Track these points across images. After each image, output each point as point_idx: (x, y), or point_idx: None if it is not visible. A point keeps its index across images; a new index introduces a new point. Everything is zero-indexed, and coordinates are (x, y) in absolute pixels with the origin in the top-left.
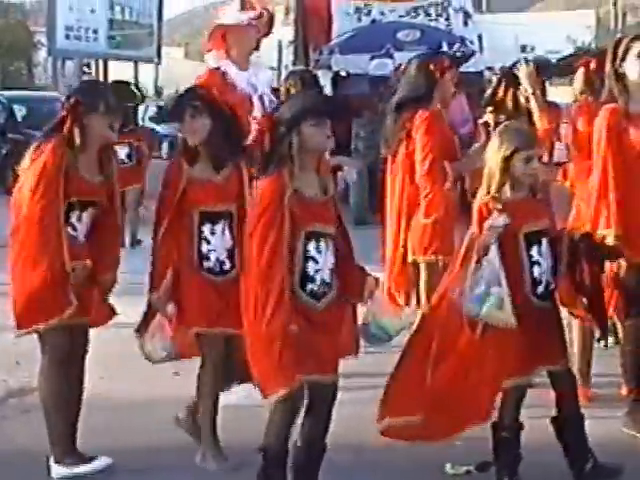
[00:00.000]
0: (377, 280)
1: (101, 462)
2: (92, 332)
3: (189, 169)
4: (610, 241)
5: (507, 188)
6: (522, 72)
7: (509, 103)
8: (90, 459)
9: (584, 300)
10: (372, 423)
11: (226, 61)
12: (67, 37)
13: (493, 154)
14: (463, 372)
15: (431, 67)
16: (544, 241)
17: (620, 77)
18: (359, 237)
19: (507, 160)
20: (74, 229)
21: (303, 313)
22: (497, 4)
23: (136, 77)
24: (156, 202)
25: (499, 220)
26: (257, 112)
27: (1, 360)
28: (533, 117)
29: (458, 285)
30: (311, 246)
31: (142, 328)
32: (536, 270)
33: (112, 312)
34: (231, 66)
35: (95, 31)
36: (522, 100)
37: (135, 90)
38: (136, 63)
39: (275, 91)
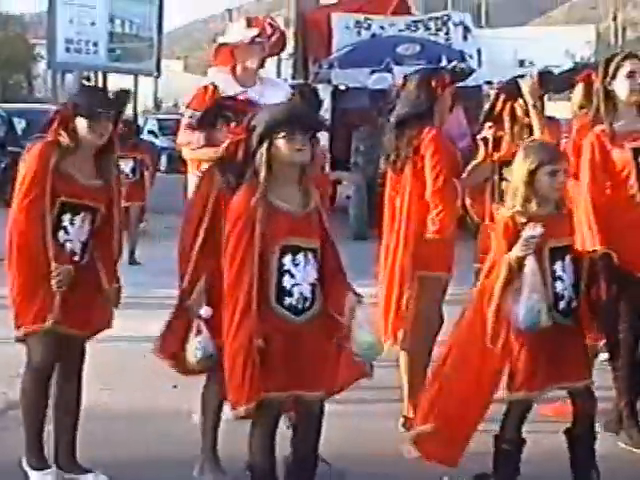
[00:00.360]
0: (359, 297)
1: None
2: (92, 345)
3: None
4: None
5: (533, 202)
6: (525, 85)
7: (507, 117)
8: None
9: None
10: (370, 435)
11: (224, 76)
12: (67, 50)
13: (518, 168)
14: (474, 384)
15: (433, 83)
16: (567, 257)
17: (609, 95)
18: (358, 251)
19: (532, 174)
20: (66, 232)
21: (280, 328)
22: (497, 19)
23: (135, 90)
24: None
25: (536, 230)
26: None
27: (1, 372)
28: (533, 131)
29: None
30: (287, 260)
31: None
32: (559, 285)
33: (110, 322)
34: (227, 82)
35: (95, 44)
36: (520, 114)
37: (127, 97)
38: (136, 76)
39: None
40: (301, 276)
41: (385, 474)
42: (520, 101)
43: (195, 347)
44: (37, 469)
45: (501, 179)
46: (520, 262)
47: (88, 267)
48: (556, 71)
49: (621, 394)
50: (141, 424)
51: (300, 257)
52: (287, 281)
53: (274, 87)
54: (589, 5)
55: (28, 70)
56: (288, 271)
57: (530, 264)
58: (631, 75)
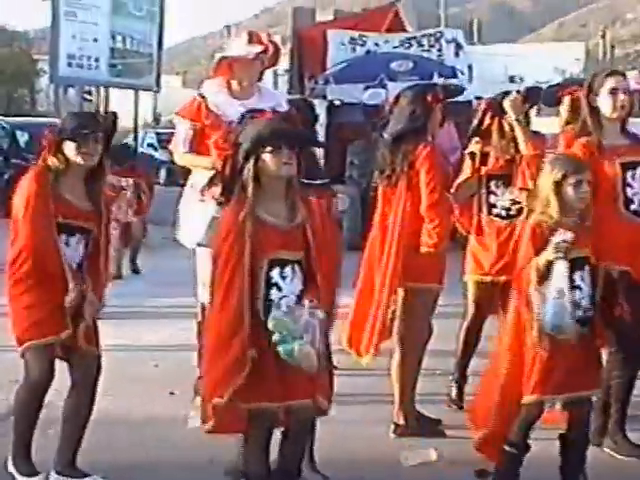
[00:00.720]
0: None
1: None
2: None
3: None
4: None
5: (558, 211)
6: (508, 100)
7: (495, 132)
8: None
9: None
10: (359, 441)
11: (216, 88)
12: (69, 65)
13: (544, 179)
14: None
15: (428, 99)
16: (587, 268)
17: (594, 111)
18: (352, 261)
19: (558, 185)
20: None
21: (269, 340)
22: (488, 35)
23: (136, 104)
24: None
25: (567, 235)
26: None
27: (2, 379)
28: (519, 145)
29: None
30: (275, 273)
31: None
32: (577, 294)
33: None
34: (218, 93)
35: (97, 59)
36: (507, 129)
37: (115, 120)
38: (136, 91)
39: None
40: (288, 289)
41: (374, 478)
42: (507, 116)
43: None
44: (26, 475)
45: (489, 193)
46: (549, 266)
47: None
48: (545, 86)
49: (615, 402)
50: (140, 429)
51: (287, 270)
52: (274, 294)
53: (270, 98)
54: (578, 23)
55: (31, 84)
56: (276, 284)
57: (559, 267)
58: (613, 92)
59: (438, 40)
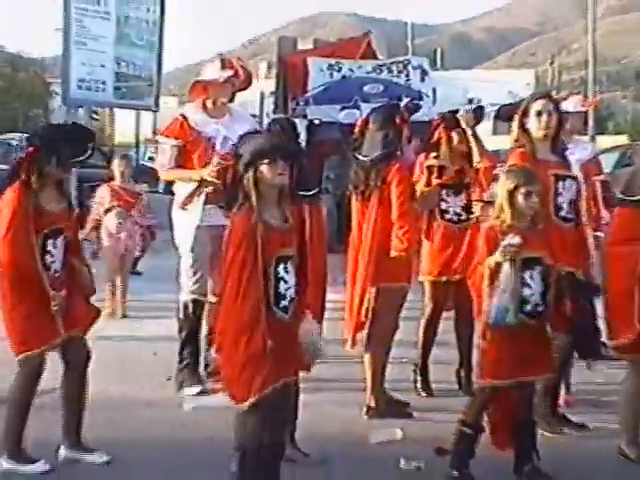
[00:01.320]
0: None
1: (39, 466)
2: (97, 343)
3: None
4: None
5: (511, 217)
6: (461, 118)
7: (444, 144)
8: (33, 461)
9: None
10: (334, 422)
11: (194, 109)
12: (79, 88)
13: (499, 188)
14: None
15: (397, 121)
16: (537, 268)
17: (525, 130)
18: (328, 263)
19: (511, 194)
20: (52, 255)
21: (277, 327)
22: (449, 62)
23: (137, 122)
24: None
25: (514, 239)
26: (221, 153)
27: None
28: (472, 158)
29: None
30: (281, 268)
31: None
32: (526, 291)
33: (97, 313)
34: (196, 113)
35: (103, 83)
36: (455, 142)
37: (89, 134)
38: (138, 111)
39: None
40: (291, 281)
41: (348, 455)
42: (454, 132)
43: None
44: (20, 462)
45: (440, 200)
46: (498, 266)
47: (67, 276)
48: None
49: (554, 386)
50: (140, 411)
51: (289, 265)
52: (282, 287)
53: (241, 120)
54: (529, 52)
55: (45, 105)
56: (282, 278)
57: (505, 268)
58: (539, 114)
59: (406, 67)
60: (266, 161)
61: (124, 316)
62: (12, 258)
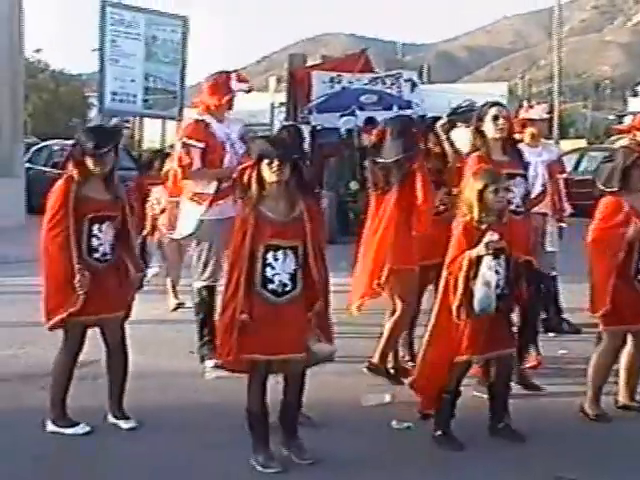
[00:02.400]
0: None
1: (80, 429)
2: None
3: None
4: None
5: (479, 213)
6: (438, 125)
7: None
8: (73, 425)
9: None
10: (333, 389)
11: (208, 115)
12: (113, 100)
13: (470, 187)
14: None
15: (413, 131)
16: (502, 256)
17: (481, 134)
18: (329, 252)
19: (480, 192)
20: (98, 239)
21: (264, 306)
22: (435, 77)
23: (163, 130)
24: None
25: (494, 236)
26: (231, 153)
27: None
28: (446, 159)
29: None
30: (269, 255)
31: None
32: (495, 277)
33: (125, 304)
34: (212, 119)
35: (134, 95)
36: (430, 144)
37: (121, 133)
38: (163, 120)
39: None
40: (280, 267)
41: (346, 418)
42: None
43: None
44: (62, 426)
45: None
46: (479, 259)
47: (116, 262)
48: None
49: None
50: (167, 380)
51: (279, 254)
52: (269, 272)
53: (234, 122)
54: (504, 67)
55: (83, 115)
56: (270, 264)
57: (486, 262)
58: (496, 118)
59: (398, 79)
60: (266, 161)
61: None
62: (50, 240)
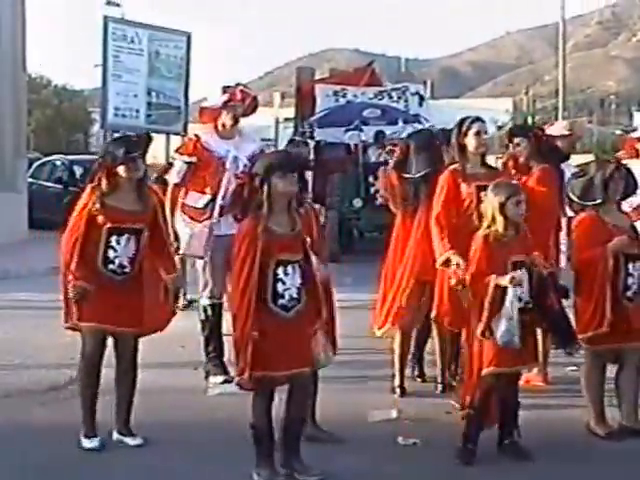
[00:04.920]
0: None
1: (90, 442)
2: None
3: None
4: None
5: (503, 226)
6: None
7: None
8: (92, 436)
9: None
10: (342, 407)
11: (205, 130)
12: (116, 115)
13: (491, 201)
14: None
15: (437, 144)
16: (523, 269)
17: (462, 147)
18: (334, 271)
19: (502, 205)
20: (115, 250)
21: (275, 322)
22: (439, 92)
23: (167, 145)
24: None
25: (519, 273)
26: (230, 171)
27: (67, 354)
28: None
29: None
30: (280, 270)
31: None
32: (518, 290)
33: (165, 322)
34: (207, 134)
35: (137, 111)
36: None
37: (149, 139)
38: (167, 135)
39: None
40: (290, 282)
41: (353, 434)
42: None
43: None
44: (87, 437)
45: None
46: (503, 289)
47: (136, 277)
48: None
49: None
50: (170, 396)
51: (289, 268)
52: (280, 287)
53: (249, 140)
54: (508, 83)
55: (86, 130)
56: (280, 279)
57: (510, 296)
58: (477, 134)
59: (404, 93)
60: (278, 174)
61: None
62: (65, 245)
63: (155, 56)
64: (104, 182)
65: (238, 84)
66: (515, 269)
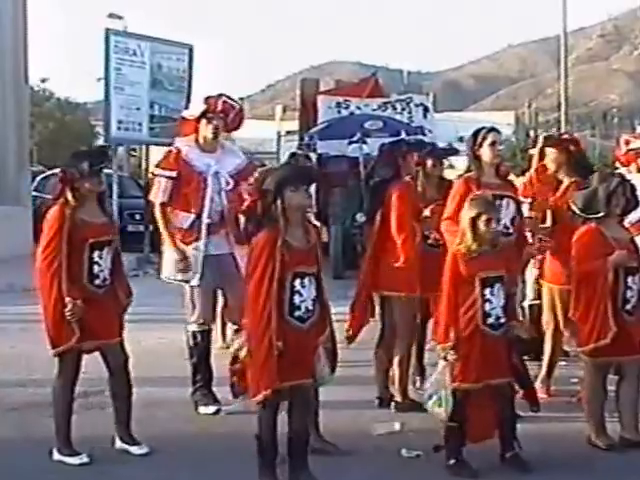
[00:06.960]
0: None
1: (79, 459)
2: (136, 351)
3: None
4: None
5: (472, 242)
6: None
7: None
8: (76, 454)
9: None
10: (345, 420)
11: (187, 142)
12: (119, 128)
13: (464, 216)
14: None
15: (393, 154)
16: (497, 285)
17: (477, 157)
18: (337, 287)
19: (473, 221)
20: (99, 265)
21: (292, 334)
22: (441, 105)
23: None
24: None
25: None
26: (211, 187)
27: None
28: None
29: None
30: (297, 283)
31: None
32: (487, 306)
33: (121, 329)
34: (188, 147)
35: (140, 124)
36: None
37: (107, 152)
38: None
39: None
40: (306, 294)
41: (358, 447)
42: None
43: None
44: (65, 455)
45: None
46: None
47: (113, 287)
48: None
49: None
50: (173, 408)
51: (306, 280)
52: (297, 299)
53: (231, 154)
54: (510, 96)
55: (89, 144)
56: (298, 291)
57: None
58: (492, 144)
59: (408, 104)
60: (290, 188)
61: None
62: (45, 269)
63: (157, 69)
64: (70, 197)
65: (221, 94)
66: (488, 285)
